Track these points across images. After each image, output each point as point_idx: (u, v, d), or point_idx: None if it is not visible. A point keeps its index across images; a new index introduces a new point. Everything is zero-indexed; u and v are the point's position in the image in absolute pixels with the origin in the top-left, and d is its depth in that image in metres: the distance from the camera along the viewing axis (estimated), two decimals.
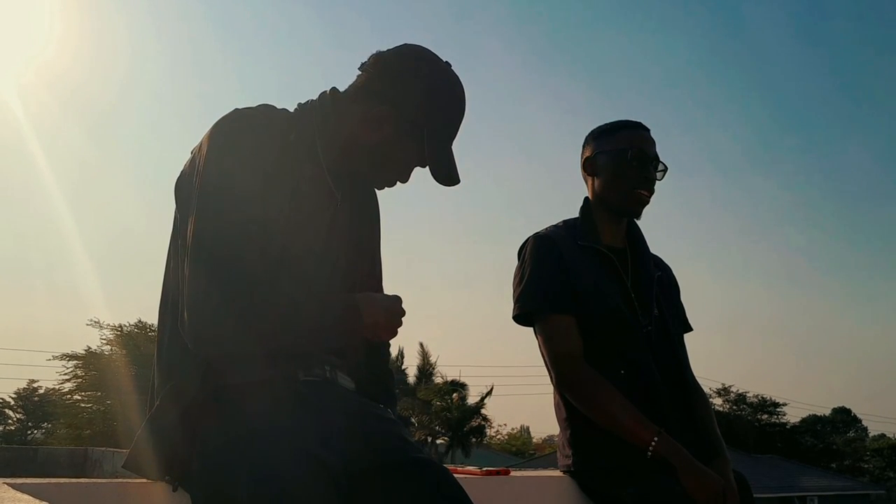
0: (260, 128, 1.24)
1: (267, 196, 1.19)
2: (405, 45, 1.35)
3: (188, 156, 1.28)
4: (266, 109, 1.29)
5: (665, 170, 1.87)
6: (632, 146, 1.83)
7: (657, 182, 1.86)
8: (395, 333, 1.27)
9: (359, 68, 1.35)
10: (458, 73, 1.36)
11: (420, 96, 1.30)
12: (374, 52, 1.35)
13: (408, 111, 1.29)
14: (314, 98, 1.35)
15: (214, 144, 1.21)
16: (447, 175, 1.32)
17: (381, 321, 1.23)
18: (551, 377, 1.78)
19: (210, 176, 1.18)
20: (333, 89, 1.35)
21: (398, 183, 1.37)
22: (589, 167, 1.90)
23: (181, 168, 1.28)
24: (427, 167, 1.33)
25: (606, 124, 1.91)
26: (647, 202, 1.85)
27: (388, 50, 1.34)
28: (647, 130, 1.89)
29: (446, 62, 1.35)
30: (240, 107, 1.26)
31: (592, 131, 1.93)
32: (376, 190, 1.46)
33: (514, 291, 1.83)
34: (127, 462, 1.21)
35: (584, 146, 1.95)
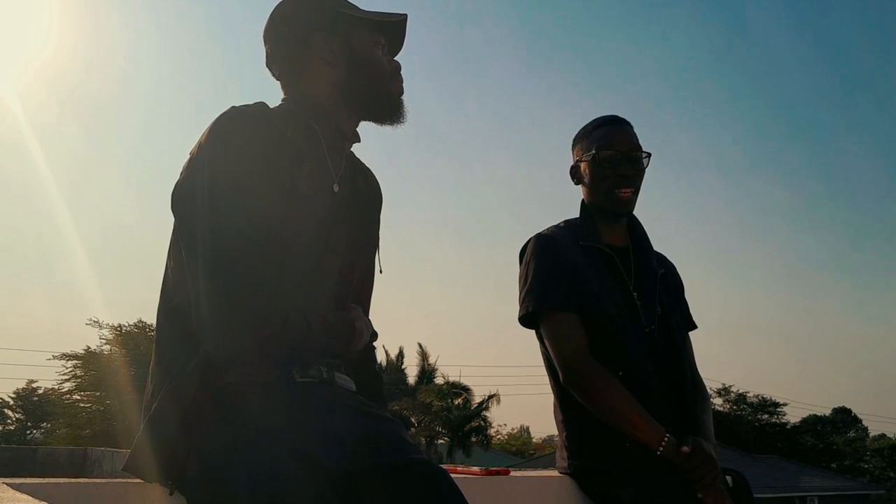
0: (257, 125, 1.23)
1: (266, 193, 1.19)
2: None
3: (187, 156, 1.28)
4: (262, 106, 1.29)
5: (648, 156, 1.84)
6: (602, 147, 1.81)
7: (645, 169, 1.84)
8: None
9: (266, 52, 1.38)
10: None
11: None
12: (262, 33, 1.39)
13: (328, 16, 1.33)
14: (286, 97, 1.38)
15: (212, 144, 1.20)
16: (397, 17, 1.37)
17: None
18: (558, 375, 1.76)
19: (209, 175, 1.18)
20: (283, 77, 1.38)
21: (403, 80, 1.39)
22: (574, 176, 1.92)
23: (181, 167, 1.27)
24: (390, 39, 1.39)
25: (584, 126, 1.91)
26: (631, 199, 1.83)
27: (269, 17, 1.39)
28: (622, 123, 1.87)
29: None
30: (237, 105, 1.26)
31: (574, 136, 1.93)
32: (403, 107, 1.40)
33: (519, 293, 1.83)
34: (127, 465, 1.20)
35: (571, 152, 1.95)
